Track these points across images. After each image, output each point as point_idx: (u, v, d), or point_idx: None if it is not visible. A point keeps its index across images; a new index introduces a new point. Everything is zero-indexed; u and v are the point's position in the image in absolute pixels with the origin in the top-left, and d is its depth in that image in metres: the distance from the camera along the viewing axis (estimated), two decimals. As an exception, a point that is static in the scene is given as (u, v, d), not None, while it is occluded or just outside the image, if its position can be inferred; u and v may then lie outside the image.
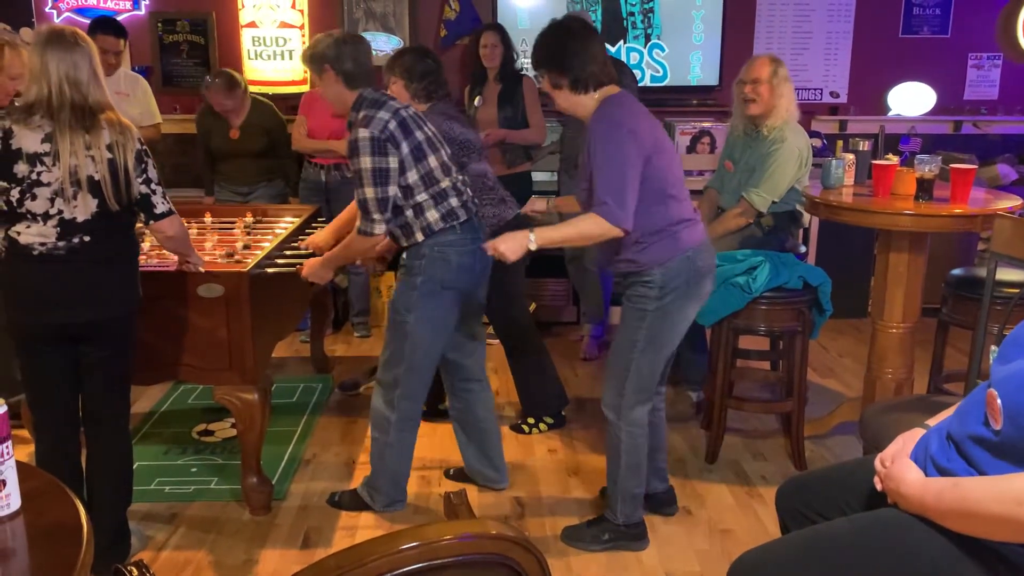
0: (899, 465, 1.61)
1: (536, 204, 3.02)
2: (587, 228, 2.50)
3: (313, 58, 2.77)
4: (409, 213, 2.75)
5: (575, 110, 2.63)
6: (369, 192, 2.68)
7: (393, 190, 2.70)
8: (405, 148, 2.70)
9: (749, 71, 3.55)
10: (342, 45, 2.75)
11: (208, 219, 3.72)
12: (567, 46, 2.54)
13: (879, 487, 1.67)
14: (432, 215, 2.76)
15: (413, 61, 3.29)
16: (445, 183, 2.79)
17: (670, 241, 2.56)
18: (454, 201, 2.80)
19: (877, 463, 1.69)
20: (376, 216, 2.70)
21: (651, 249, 2.55)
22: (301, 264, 3.06)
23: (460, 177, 2.88)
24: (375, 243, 2.79)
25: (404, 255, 2.85)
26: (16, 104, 2.41)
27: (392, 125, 2.69)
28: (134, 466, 2.72)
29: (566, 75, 2.55)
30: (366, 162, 2.66)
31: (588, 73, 2.54)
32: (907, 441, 1.69)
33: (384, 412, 2.93)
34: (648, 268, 2.56)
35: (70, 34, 2.37)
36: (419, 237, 2.78)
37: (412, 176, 2.72)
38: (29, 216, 2.34)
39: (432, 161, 2.77)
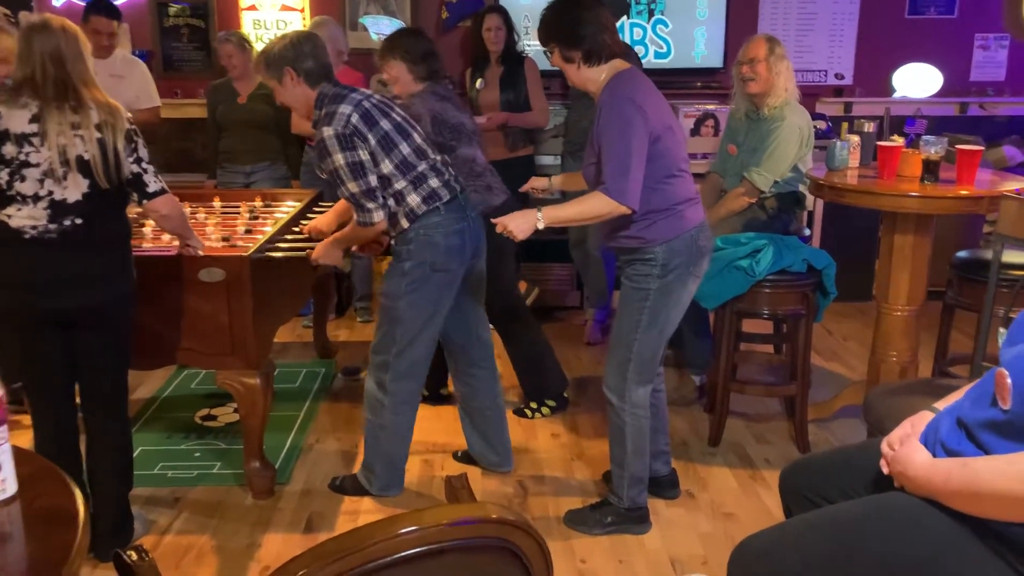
0: (907, 448, 1.60)
1: (536, 182, 2.98)
2: (594, 206, 2.48)
3: (271, 62, 2.71)
4: (391, 202, 2.74)
5: (586, 85, 2.59)
6: (353, 187, 2.67)
7: (373, 179, 2.68)
8: (372, 140, 2.67)
9: (746, 51, 3.54)
10: (300, 44, 2.71)
11: (217, 203, 3.70)
12: (578, 16, 2.51)
13: (886, 470, 1.66)
14: (413, 199, 2.74)
15: (413, 42, 3.26)
16: (422, 166, 2.77)
17: (675, 219, 2.55)
18: (434, 182, 2.77)
19: (884, 446, 1.68)
20: (370, 206, 2.69)
21: (656, 226, 2.54)
22: (305, 248, 3.05)
23: (438, 157, 2.85)
24: (379, 229, 2.77)
25: (393, 242, 2.84)
26: (3, 87, 2.40)
27: (355, 119, 2.65)
28: (136, 451, 2.72)
29: (579, 47, 2.51)
30: (339, 159, 2.64)
31: (601, 43, 2.51)
32: (915, 424, 1.68)
33: (376, 394, 2.93)
34: (651, 245, 2.54)
35: (56, 22, 2.37)
36: (404, 224, 2.76)
37: (387, 166, 2.70)
38: (19, 198, 2.32)
39: (404, 148, 2.74)
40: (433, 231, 2.76)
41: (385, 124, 2.72)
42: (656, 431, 2.89)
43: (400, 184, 2.72)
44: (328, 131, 2.63)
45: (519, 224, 2.46)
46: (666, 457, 3.01)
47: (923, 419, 1.68)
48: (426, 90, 3.25)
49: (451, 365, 3.17)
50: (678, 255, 2.55)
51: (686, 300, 2.66)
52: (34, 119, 2.31)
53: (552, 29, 2.57)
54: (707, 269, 2.69)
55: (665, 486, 3.00)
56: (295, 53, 2.69)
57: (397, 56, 3.24)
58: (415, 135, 2.81)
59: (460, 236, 2.80)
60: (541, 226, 2.47)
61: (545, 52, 2.65)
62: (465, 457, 3.29)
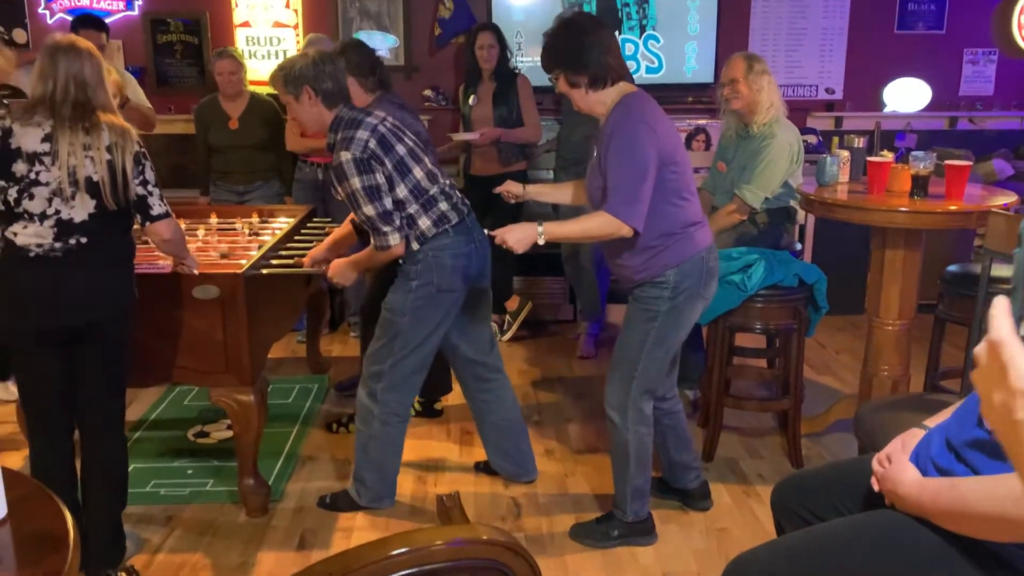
0: (897, 466, 1.61)
1: (511, 187, 2.94)
2: (597, 225, 2.48)
3: (290, 79, 2.72)
4: (403, 225, 2.75)
5: (593, 108, 2.58)
6: (369, 211, 2.68)
7: (389, 202, 2.70)
8: (388, 164, 2.70)
9: (726, 72, 3.56)
10: (320, 64, 2.72)
11: (214, 220, 3.71)
12: (581, 41, 2.50)
13: (876, 488, 1.66)
14: (424, 222, 2.76)
15: (359, 55, 3.30)
16: (433, 190, 2.80)
17: (686, 242, 2.56)
18: (444, 205, 2.80)
19: (875, 463, 1.68)
20: (385, 229, 2.70)
21: (669, 251, 2.54)
22: (299, 263, 3.06)
23: (447, 181, 2.88)
24: (396, 252, 2.78)
25: (400, 260, 2.85)
26: (18, 104, 2.41)
27: (372, 144, 2.68)
28: (129, 469, 2.71)
29: (584, 72, 2.50)
30: (356, 183, 2.66)
31: (606, 66, 2.50)
32: (906, 442, 1.69)
33: (367, 404, 2.93)
34: (664, 269, 2.55)
35: (83, 45, 2.40)
36: (415, 246, 2.78)
37: (401, 191, 2.73)
38: (26, 216, 2.33)
39: (417, 172, 2.77)
40: (442, 253, 2.78)
41: (400, 149, 2.75)
42: (680, 448, 2.93)
43: (412, 208, 2.74)
44: (346, 155, 2.65)
45: (518, 237, 2.45)
46: (696, 472, 3.01)
47: (914, 437, 1.69)
48: (382, 99, 3.27)
49: (462, 385, 3.18)
50: (689, 277, 2.56)
51: (693, 321, 2.68)
52: (46, 138, 2.32)
53: (556, 55, 2.55)
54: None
55: (697, 498, 3.02)
56: (315, 73, 2.71)
57: (348, 72, 3.27)
58: (426, 159, 2.84)
59: (467, 258, 2.83)
60: (541, 241, 2.46)
61: (550, 78, 2.63)
62: (486, 468, 3.29)
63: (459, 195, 2.90)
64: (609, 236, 2.49)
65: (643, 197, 2.44)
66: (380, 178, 2.68)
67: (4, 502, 1.33)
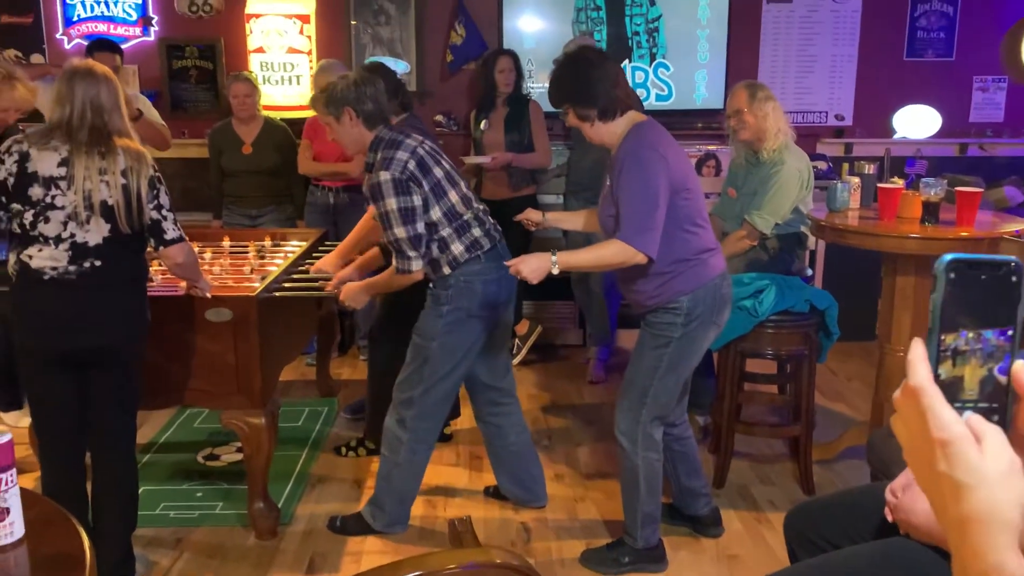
0: (910, 495, 1.60)
1: (531, 214, 2.97)
2: (611, 253, 2.49)
3: (332, 100, 2.75)
4: (435, 248, 2.77)
5: (604, 139, 2.60)
6: (400, 232, 2.70)
7: (422, 226, 2.72)
8: (426, 186, 2.73)
9: (729, 104, 3.58)
10: (361, 86, 2.76)
11: (226, 243, 3.73)
12: (588, 75, 2.52)
13: (890, 518, 1.65)
14: (457, 248, 2.77)
15: (384, 80, 3.34)
16: (467, 215, 2.82)
17: (700, 268, 2.56)
18: (477, 231, 2.82)
19: (888, 493, 1.67)
20: (411, 254, 2.72)
21: (682, 277, 2.55)
22: (311, 288, 3.07)
23: (480, 207, 2.90)
24: (414, 279, 2.79)
25: (431, 284, 2.86)
26: (35, 128, 2.44)
27: (411, 165, 2.71)
28: (139, 491, 2.72)
29: (593, 105, 2.52)
30: (391, 204, 2.67)
31: (614, 98, 2.53)
32: None
33: (396, 432, 2.93)
34: (678, 295, 2.55)
35: (100, 70, 2.43)
36: (446, 271, 2.79)
37: (436, 213, 2.75)
38: (41, 239, 2.35)
39: (453, 196, 2.79)
40: (473, 278, 2.79)
41: (437, 172, 2.78)
42: (690, 475, 2.92)
43: (445, 231, 2.76)
44: (385, 176, 2.67)
45: (532, 267, 2.46)
46: (707, 499, 3.00)
47: None
48: (407, 122, 3.31)
49: (475, 409, 3.18)
50: (702, 304, 2.56)
51: (705, 347, 2.68)
52: (63, 163, 2.34)
53: (564, 91, 2.58)
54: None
55: (708, 524, 3.00)
56: (357, 95, 2.74)
57: None
58: (462, 184, 2.87)
59: (498, 284, 2.84)
60: (555, 271, 2.47)
61: (560, 113, 2.66)
62: (495, 493, 3.28)
63: (492, 221, 2.92)
64: (622, 264, 2.50)
65: (656, 225, 2.45)
66: (417, 200, 2.70)
67: (22, 523, 1.34)
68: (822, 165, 5.19)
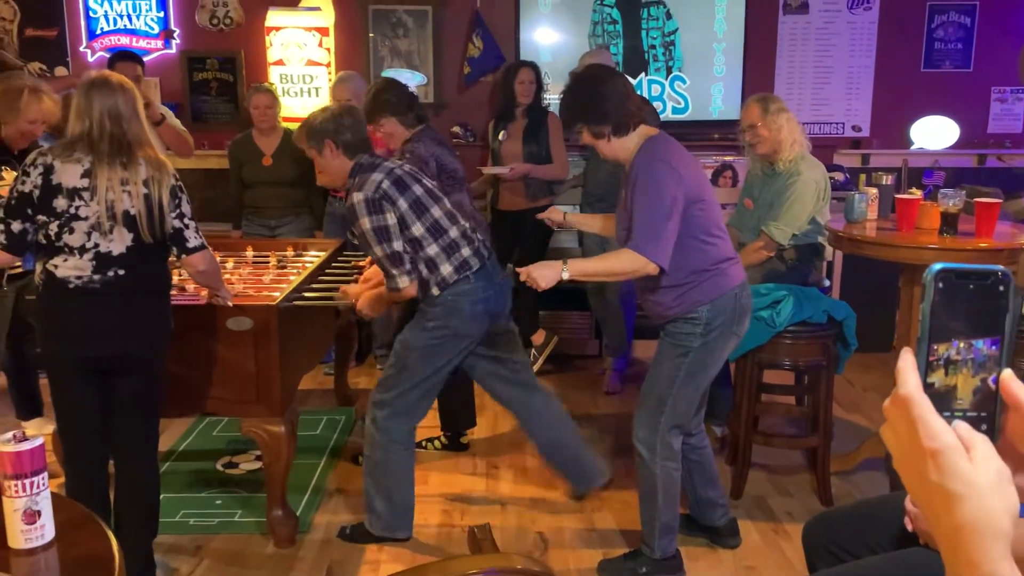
0: None
1: (553, 214, 3.01)
2: (621, 263, 2.51)
3: (312, 134, 2.82)
4: (424, 270, 2.80)
5: (618, 155, 2.62)
6: (378, 250, 2.74)
7: (399, 244, 2.74)
8: (403, 204, 2.75)
9: (743, 119, 3.58)
10: (340, 118, 2.81)
11: (250, 253, 3.77)
12: (599, 92, 2.55)
13: (910, 527, 1.65)
14: (446, 269, 2.80)
15: (396, 95, 3.38)
16: (453, 232, 2.84)
17: (719, 278, 2.57)
18: (466, 251, 2.84)
19: (908, 503, 1.67)
20: (394, 271, 2.75)
21: (699, 288, 2.56)
22: (330, 297, 3.10)
23: (467, 224, 2.92)
24: (408, 294, 2.82)
25: (421, 303, 2.89)
26: (59, 141, 2.48)
27: (385, 184, 2.74)
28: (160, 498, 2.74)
29: (606, 122, 2.54)
30: (365, 224, 2.72)
31: (627, 113, 2.54)
32: None
33: (371, 431, 2.98)
34: (697, 305, 2.56)
35: (116, 79, 2.47)
36: (435, 292, 2.82)
37: (417, 229, 2.77)
38: (66, 249, 2.39)
39: (435, 211, 2.82)
40: (461, 299, 2.81)
41: (417, 189, 2.81)
42: (707, 485, 2.92)
43: (432, 250, 2.78)
44: (358, 196, 2.72)
45: (543, 274, 2.48)
46: (723, 509, 3.00)
47: None
48: (423, 134, 3.33)
49: (518, 419, 3.21)
50: (721, 314, 2.57)
51: (724, 358, 2.68)
52: (85, 174, 2.38)
53: (576, 110, 2.60)
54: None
55: (726, 535, 3.00)
56: (335, 126, 2.79)
57: (387, 112, 3.35)
58: (445, 201, 2.90)
59: (485, 304, 2.86)
60: (566, 276, 2.49)
61: (574, 132, 2.67)
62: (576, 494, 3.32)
63: (480, 238, 2.94)
64: (634, 273, 2.51)
65: (667, 235, 2.46)
66: (391, 219, 2.73)
67: (52, 526, 1.36)
68: (839, 176, 5.19)
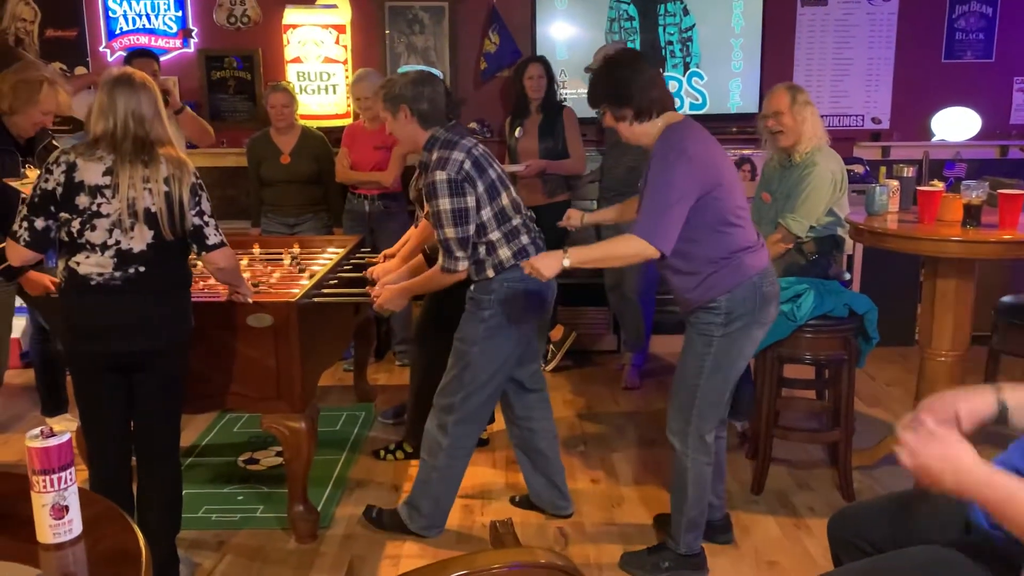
0: (950, 442, 1.45)
1: (572, 219, 3.04)
2: (622, 248, 2.52)
3: (390, 97, 2.83)
4: (482, 250, 2.80)
5: (640, 140, 2.63)
6: (450, 232, 2.73)
7: (473, 228, 2.75)
8: (480, 186, 2.75)
9: (768, 105, 3.54)
10: (419, 85, 2.81)
11: (256, 250, 3.80)
12: (623, 76, 2.56)
13: (907, 463, 1.48)
14: (504, 253, 2.80)
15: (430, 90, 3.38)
16: (516, 220, 2.84)
17: (736, 267, 2.55)
18: (524, 239, 2.84)
19: (900, 433, 1.53)
20: (459, 254, 2.75)
21: (717, 276, 2.54)
22: (350, 294, 3.11)
23: (528, 213, 2.93)
24: (458, 279, 2.82)
25: (471, 287, 2.88)
26: (81, 140, 2.50)
27: (467, 165, 2.74)
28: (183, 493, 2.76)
29: (628, 105, 2.55)
30: (445, 203, 2.70)
31: (650, 99, 2.55)
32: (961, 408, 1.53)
33: (436, 436, 2.95)
34: (715, 296, 2.55)
35: (138, 77, 2.49)
36: (490, 274, 2.81)
37: (486, 213, 2.77)
38: (88, 247, 2.41)
39: (504, 199, 2.82)
40: (516, 285, 2.81)
41: (491, 173, 2.81)
42: (714, 479, 2.89)
43: (494, 235, 2.79)
44: (441, 175, 2.71)
45: (545, 263, 2.49)
46: (720, 503, 2.99)
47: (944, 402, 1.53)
48: (453, 128, 3.32)
49: (507, 413, 3.19)
50: (742, 304, 2.55)
51: (752, 348, 2.66)
52: (107, 172, 2.40)
53: (600, 92, 2.61)
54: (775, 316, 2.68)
55: (718, 530, 2.98)
56: (414, 93, 2.80)
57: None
58: (512, 189, 2.90)
59: (540, 293, 2.86)
60: (567, 264, 2.48)
61: (597, 113, 2.69)
62: (524, 502, 3.28)
63: (537, 229, 2.94)
64: (635, 257, 2.51)
65: (671, 220, 2.45)
66: (471, 201, 2.73)
67: (80, 520, 1.37)
68: (859, 169, 5.14)
